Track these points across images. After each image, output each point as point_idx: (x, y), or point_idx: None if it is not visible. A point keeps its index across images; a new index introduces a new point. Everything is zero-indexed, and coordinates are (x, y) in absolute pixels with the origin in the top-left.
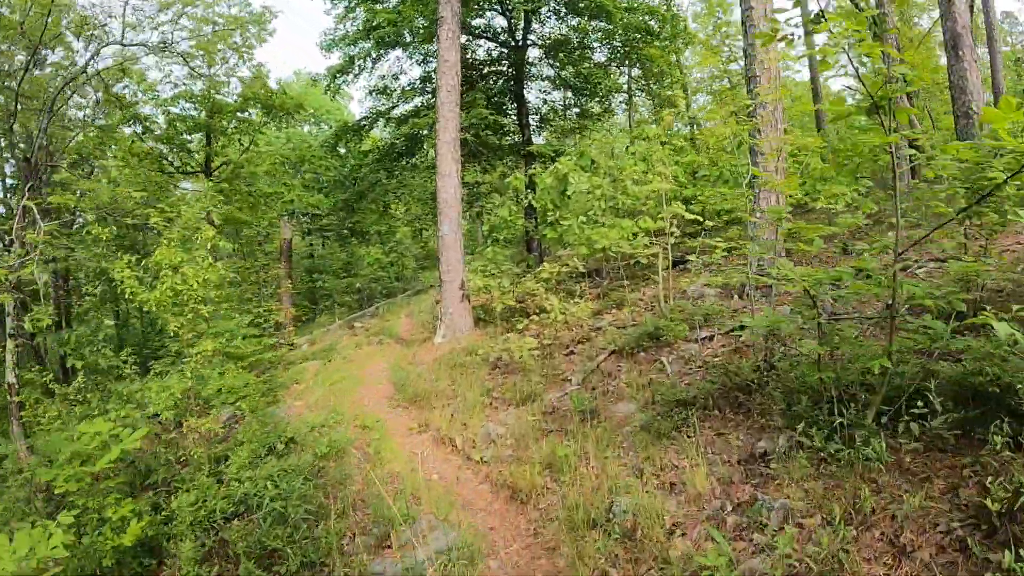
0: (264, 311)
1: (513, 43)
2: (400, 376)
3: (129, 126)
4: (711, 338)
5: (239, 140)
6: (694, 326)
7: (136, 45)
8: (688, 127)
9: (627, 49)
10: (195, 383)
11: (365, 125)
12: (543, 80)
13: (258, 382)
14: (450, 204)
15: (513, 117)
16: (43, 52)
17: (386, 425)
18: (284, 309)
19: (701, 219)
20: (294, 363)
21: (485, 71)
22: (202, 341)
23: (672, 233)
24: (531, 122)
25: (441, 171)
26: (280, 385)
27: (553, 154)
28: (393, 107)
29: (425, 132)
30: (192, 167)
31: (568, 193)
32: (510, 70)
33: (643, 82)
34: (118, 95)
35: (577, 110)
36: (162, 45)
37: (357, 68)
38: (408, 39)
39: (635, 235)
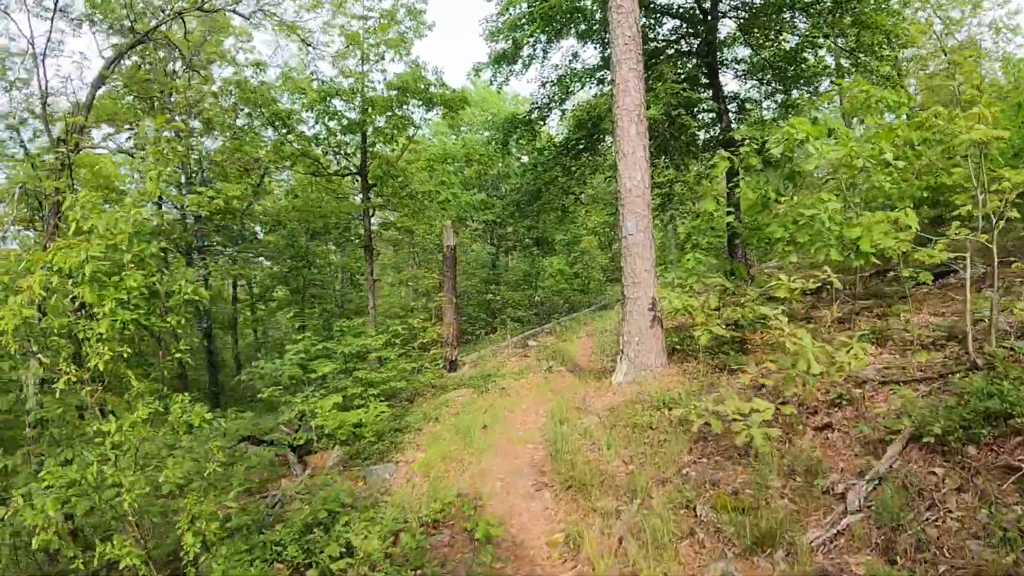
0: (404, 327)
1: (701, 15)
2: (558, 434)
3: (273, 127)
4: None
5: (394, 138)
6: None
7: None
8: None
9: (838, 11)
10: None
11: (537, 117)
12: (737, 64)
13: (381, 418)
14: (635, 194)
15: (707, 104)
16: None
17: (519, 526)
18: (447, 324)
19: None
20: (446, 388)
21: (670, 52)
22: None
23: (1003, 216)
24: (729, 109)
25: (623, 149)
26: (407, 426)
27: (762, 143)
28: (568, 94)
29: (605, 121)
30: (351, 169)
31: (798, 172)
32: (702, 47)
33: (858, 55)
34: (255, 88)
35: (779, 97)
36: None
37: (526, 57)
38: (584, 26)
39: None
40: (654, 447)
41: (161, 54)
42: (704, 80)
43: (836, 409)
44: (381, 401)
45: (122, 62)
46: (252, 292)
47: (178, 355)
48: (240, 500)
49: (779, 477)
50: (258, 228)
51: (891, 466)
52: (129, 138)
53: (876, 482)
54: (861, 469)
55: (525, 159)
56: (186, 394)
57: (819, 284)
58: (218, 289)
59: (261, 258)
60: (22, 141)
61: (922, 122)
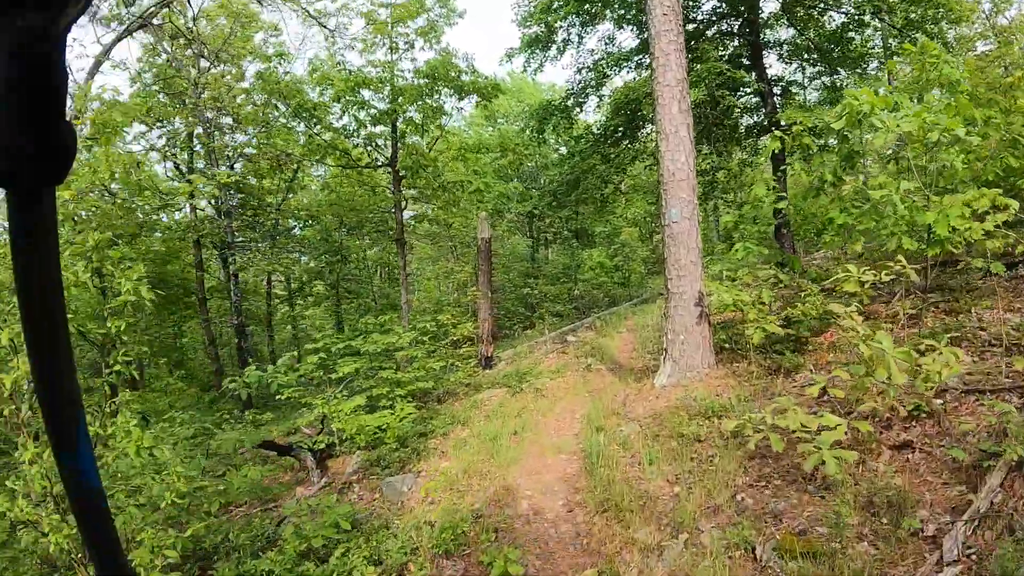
0: (432, 323)
1: None
2: (594, 445)
3: (300, 119)
4: None
5: (425, 128)
6: None
7: None
8: None
9: None
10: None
11: (573, 103)
12: (781, 46)
13: (407, 421)
14: (679, 177)
15: (751, 87)
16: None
17: (545, 556)
18: (482, 320)
19: None
20: (479, 388)
21: (710, 33)
22: None
23: None
24: (773, 92)
25: (664, 129)
26: (433, 430)
27: (812, 126)
28: (604, 80)
29: (645, 105)
30: (382, 160)
31: (857, 151)
32: (744, 27)
33: (908, 34)
34: (279, 80)
35: (825, 80)
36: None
37: (560, 42)
38: (620, 9)
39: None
40: (702, 464)
41: (189, 51)
42: (746, 62)
43: (914, 423)
44: (408, 402)
45: (154, 59)
46: (290, 287)
47: (117, 367)
48: (252, 507)
49: (856, 511)
50: (292, 223)
51: (992, 502)
52: (160, 136)
53: (976, 523)
54: (954, 504)
55: (564, 150)
56: (128, 415)
57: (892, 276)
58: (254, 285)
59: (296, 253)
60: None
61: (1014, 83)
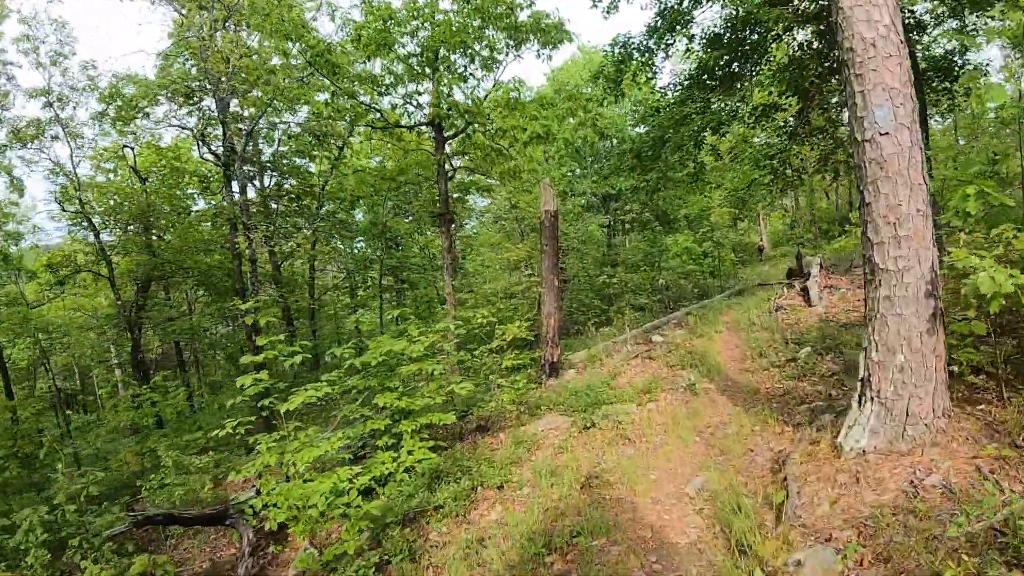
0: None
1: None
2: None
3: (319, 71)
4: None
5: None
6: None
7: None
8: None
9: None
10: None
11: (657, 38)
12: None
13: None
14: (881, 50)
15: None
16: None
17: None
18: (546, 315)
19: None
20: (536, 411)
21: None
22: None
23: None
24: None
25: None
26: (441, 506)
27: None
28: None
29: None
30: (423, 121)
31: None
32: None
33: None
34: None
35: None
36: None
37: None
38: None
39: None
40: None
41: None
42: None
43: None
44: (423, 440)
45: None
46: (352, 278)
47: None
48: None
49: None
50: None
51: None
52: (190, 112)
53: None
54: None
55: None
56: None
57: None
58: (300, 275)
59: (335, 238)
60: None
61: None
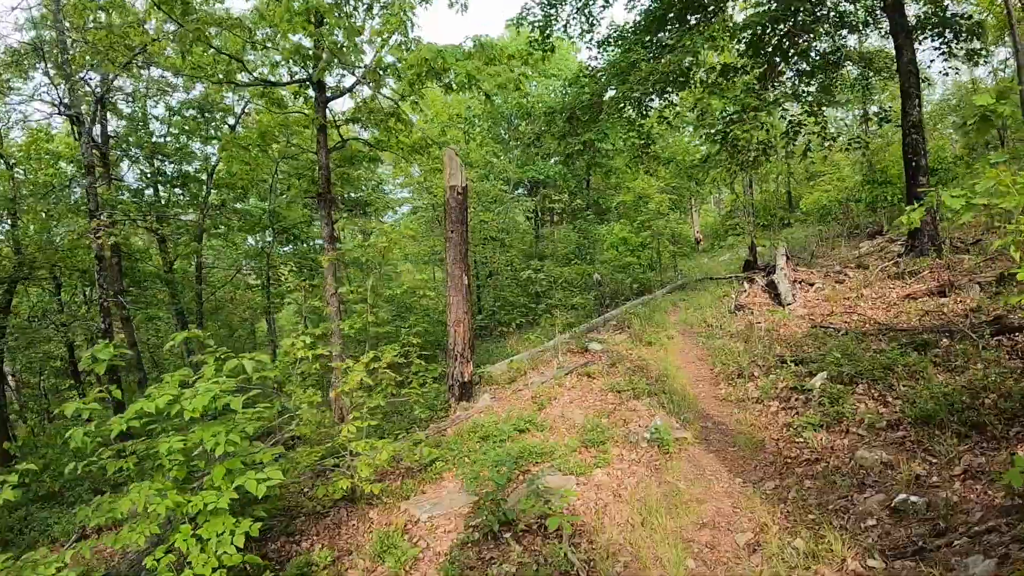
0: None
1: None
2: None
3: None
4: None
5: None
6: None
7: None
8: None
9: None
10: None
11: None
12: None
13: None
14: None
15: None
16: None
17: None
18: (455, 322)
19: None
20: (423, 474)
21: None
22: None
23: None
24: None
25: None
26: None
27: None
28: None
29: None
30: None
31: None
32: None
33: None
34: None
35: None
36: None
37: None
38: None
39: None
40: None
41: None
42: None
43: None
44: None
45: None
46: (263, 275)
47: None
48: None
49: None
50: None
51: None
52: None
53: None
54: None
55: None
56: None
57: None
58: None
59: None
60: None
61: None
